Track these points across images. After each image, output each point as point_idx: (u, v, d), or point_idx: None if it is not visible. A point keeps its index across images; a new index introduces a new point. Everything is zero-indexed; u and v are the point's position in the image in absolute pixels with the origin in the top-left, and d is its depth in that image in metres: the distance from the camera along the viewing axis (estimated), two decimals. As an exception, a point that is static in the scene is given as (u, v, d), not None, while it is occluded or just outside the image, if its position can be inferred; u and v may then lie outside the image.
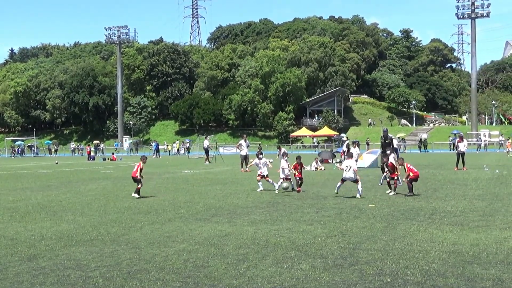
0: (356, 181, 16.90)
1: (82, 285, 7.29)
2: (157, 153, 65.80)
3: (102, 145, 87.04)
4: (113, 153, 61.70)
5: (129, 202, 16.53)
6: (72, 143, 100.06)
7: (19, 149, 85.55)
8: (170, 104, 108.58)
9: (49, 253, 9.37)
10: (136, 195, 17.70)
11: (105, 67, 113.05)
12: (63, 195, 19.36)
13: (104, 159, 57.48)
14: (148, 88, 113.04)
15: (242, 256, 8.87)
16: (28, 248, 9.75)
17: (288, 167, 18.80)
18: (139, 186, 17.81)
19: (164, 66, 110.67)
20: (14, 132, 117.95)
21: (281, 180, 18.58)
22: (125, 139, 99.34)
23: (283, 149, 30.23)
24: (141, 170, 18.00)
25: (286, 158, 19.24)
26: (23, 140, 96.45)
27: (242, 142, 33.50)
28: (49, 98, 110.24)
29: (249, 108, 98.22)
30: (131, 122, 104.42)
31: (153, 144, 71.90)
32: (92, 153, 62.45)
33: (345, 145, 33.06)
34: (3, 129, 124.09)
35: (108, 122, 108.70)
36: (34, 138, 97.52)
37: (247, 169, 30.36)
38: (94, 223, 12.53)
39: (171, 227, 11.76)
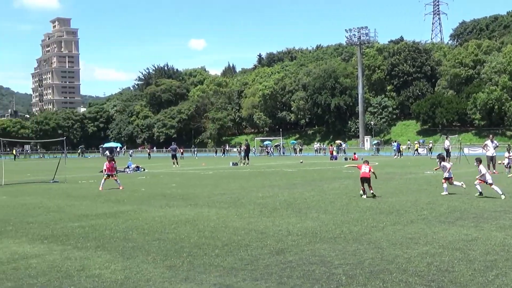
0: None
1: (326, 281, 7.51)
2: (399, 154, 65.00)
3: (344, 145, 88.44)
4: (354, 153, 62.37)
5: (371, 202, 16.60)
6: (316, 143, 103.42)
7: (271, 148, 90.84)
8: (411, 103, 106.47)
9: (295, 248, 9.82)
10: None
11: (346, 68, 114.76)
12: (307, 193, 20.11)
13: (346, 159, 58.38)
14: (388, 88, 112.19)
15: (490, 262, 8.40)
16: (276, 242, 10.33)
17: None
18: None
19: (404, 65, 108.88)
20: (262, 133, 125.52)
21: None
22: (366, 139, 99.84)
23: None
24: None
25: None
26: (270, 140, 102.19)
27: (488, 142, 31.65)
28: (294, 100, 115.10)
29: (496, 107, 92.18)
30: (372, 122, 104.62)
31: (395, 144, 71.21)
32: (334, 153, 63.80)
33: None
34: (253, 130, 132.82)
35: (349, 122, 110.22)
36: (281, 138, 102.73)
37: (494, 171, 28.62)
38: (337, 221, 12.82)
39: (413, 229, 11.56)
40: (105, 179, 23.98)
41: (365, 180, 18.32)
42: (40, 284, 7.61)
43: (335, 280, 7.51)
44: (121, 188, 23.33)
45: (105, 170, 24.48)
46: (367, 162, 19.18)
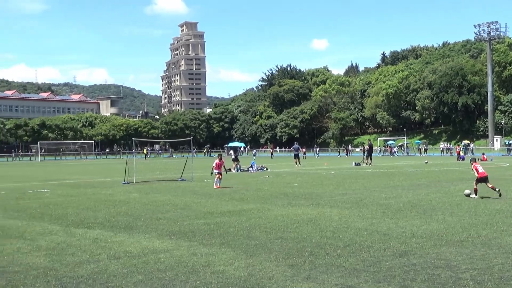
0: None
1: (452, 285, 7.28)
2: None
3: (471, 145, 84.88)
4: (483, 154, 59.60)
5: (501, 205, 15.83)
6: (441, 142, 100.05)
7: (394, 148, 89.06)
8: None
9: (419, 250, 9.58)
10: None
11: (474, 66, 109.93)
12: (432, 194, 19.53)
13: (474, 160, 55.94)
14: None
15: None
16: (399, 244, 10.13)
17: None
18: None
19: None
20: (385, 132, 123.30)
21: None
22: (496, 139, 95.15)
23: None
24: None
25: None
26: (394, 140, 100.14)
27: None
28: (419, 98, 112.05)
29: None
30: (502, 121, 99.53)
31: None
32: (461, 153, 61.47)
33: None
34: (376, 129, 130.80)
35: (477, 121, 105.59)
36: (405, 138, 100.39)
37: None
38: (464, 224, 12.36)
39: (548, 234, 10.90)
40: (218, 177, 24.66)
41: (484, 179, 18.13)
42: (168, 278, 7.96)
43: (461, 286, 7.26)
44: (215, 187, 24.08)
45: (213, 167, 25.13)
46: (474, 160, 19.43)
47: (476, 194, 17.93)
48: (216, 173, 24.87)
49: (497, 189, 17.88)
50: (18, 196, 21.76)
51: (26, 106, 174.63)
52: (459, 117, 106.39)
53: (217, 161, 25.50)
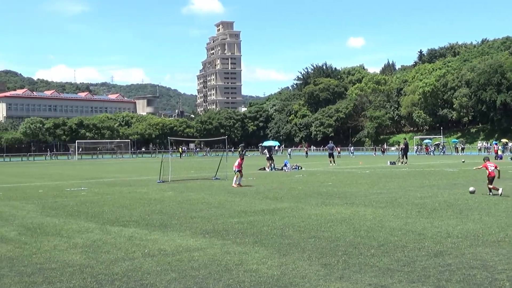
0: None
1: (488, 286, 7.18)
2: None
3: (510, 144, 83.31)
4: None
5: (540, 205, 15.53)
6: (479, 141, 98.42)
7: (431, 147, 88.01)
8: None
9: (455, 250, 9.46)
10: None
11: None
12: (469, 194, 19.24)
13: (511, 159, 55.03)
14: None
15: None
16: (434, 244, 10.02)
17: None
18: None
19: None
20: (422, 131, 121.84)
21: None
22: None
23: None
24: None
25: None
26: (430, 139, 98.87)
27: None
28: (456, 97, 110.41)
29: None
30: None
31: None
32: (499, 152, 60.46)
33: None
34: (412, 128, 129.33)
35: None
36: (441, 136, 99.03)
37: None
38: (501, 224, 12.16)
39: None
40: (237, 177, 24.92)
41: (491, 179, 18.84)
42: (202, 276, 8.01)
43: (497, 286, 7.16)
44: (234, 185, 24.34)
45: (236, 166, 25.30)
46: (488, 159, 20.02)
47: (496, 190, 18.56)
48: (236, 172, 25.14)
49: (499, 191, 18.40)
50: (56, 194, 22.16)
51: (65, 105, 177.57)
52: (497, 115, 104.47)
53: (239, 160, 25.83)
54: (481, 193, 19.12)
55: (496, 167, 19.22)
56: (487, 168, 19.15)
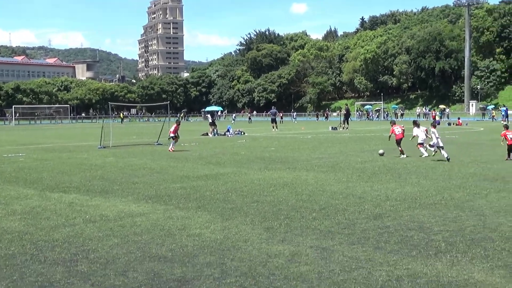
0: None
1: (424, 247, 7.40)
2: (507, 118, 62.18)
3: (447, 110, 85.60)
4: (459, 118, 60.26)
5: (474, 168, 16.07)
6: (418, 107, 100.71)
7: (371, 113, 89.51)
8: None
9: (393, 213, 9.71)
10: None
11: (452, 31, 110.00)
12: (407, 158, 19.71)
13: (449, 124, 56.60)
14: (497, 50, 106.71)
15: None
16: (374, 207, 10.25)
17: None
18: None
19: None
20: (363, 97, 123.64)
21: None
22: (472, 104, 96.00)
23: None
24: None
25: None
26: (371, 105, 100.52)
27: None
28: (396, 63, 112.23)
29: None
30: (478, 87, 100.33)
31: (502, 109, 68.14)
32: (437, 118, 62.02)
33: None
34: (354, 94, 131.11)
35: (454, 86, 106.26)
36: (382, 102, 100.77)
37: None
38: (438, 188, 12.53)
39: (519, 197, 11.11)
40: (175, 141, 25.47)
41: (399, 141, 20.44)
42: (144, 241, 7.97)
43: (434, 247, 7.38)
44: (171, 150, 24.67)
45: (171, 132, 25.63)
46: (394, 122, 21.92)
47: (404, 154, 19.93)
48: (170, 137, 25.55)
49: (403, 155, 19.88)
50: (-7, 161, 21.52)
51: (0, 69, 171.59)
52: (436, 82, 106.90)
53: (175, 125, 26.04)
54: (394, 155, 19.70)
55: (402, 129, 21.00)
56: (393, 132, 20.71)
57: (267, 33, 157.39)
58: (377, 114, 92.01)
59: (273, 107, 57.59)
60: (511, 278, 6.03)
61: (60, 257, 7.22)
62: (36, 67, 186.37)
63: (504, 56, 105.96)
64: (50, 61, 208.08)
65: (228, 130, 40.07)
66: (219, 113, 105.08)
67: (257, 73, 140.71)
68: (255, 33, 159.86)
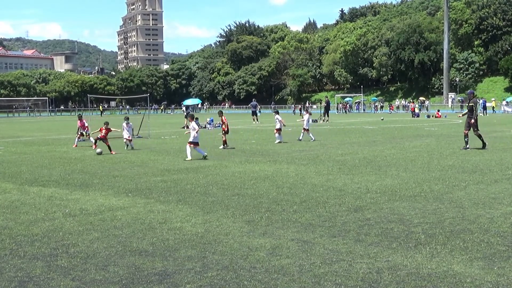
0: None
1: (404, 239, 7.45)
2: (484, 111, 62.82)
3: (427, 102, 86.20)
4: (438, 110, 60.71)
5: (453, 161, 16.21)
6: (397, 100, 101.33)
7: (351, 105, 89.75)
8: (500, 59, 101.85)
9: (373, 205, 9.77)
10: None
11: (431, 23, 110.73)
12: (387, 150, 19.86)
13: (428, 116, 57.03)
14: (476, 42, 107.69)
15: None
16: (354, 200, 10.30)
17: None
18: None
19: (494, 18, 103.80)
20: (343, 89, 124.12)
21: None
22: (450, 96, 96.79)
23: None
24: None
25: None
26: (351, 97, 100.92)
27: None
28: (376, 56, 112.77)
29: None
30: (457, 79, 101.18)
31: (481, 101, 68.77)
32: (416, 110, 62.46)
33: None
34: (334, 86, 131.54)
35: (433, 78, 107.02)
36: (362, 95, 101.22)
37: None
38: (417, 180, 12.63)
39: (497, 188, 11.23)
40: (78, 137, 25.71)
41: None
42: (125, 235, 7.93)
43: (413, 239, 7.44)
44: (74, 146, 24.47)
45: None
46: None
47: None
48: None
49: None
50: (-30, 154, 21.26)
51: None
52: (415, 74, 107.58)
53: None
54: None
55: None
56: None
57: (247, 25, 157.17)
58: (357, 105, 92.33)
59: (253, 99, 57.63)
60: (490, 270, 6.09)
61: (39, 251, 7.17)
62: (14, 58, 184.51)
63: (482, 49, 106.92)
64: (28, 52, 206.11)
65: (209, 123, 39.91)
66: (199, 106, 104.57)
67: (237, 65, 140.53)
68: (235, 25, 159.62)
